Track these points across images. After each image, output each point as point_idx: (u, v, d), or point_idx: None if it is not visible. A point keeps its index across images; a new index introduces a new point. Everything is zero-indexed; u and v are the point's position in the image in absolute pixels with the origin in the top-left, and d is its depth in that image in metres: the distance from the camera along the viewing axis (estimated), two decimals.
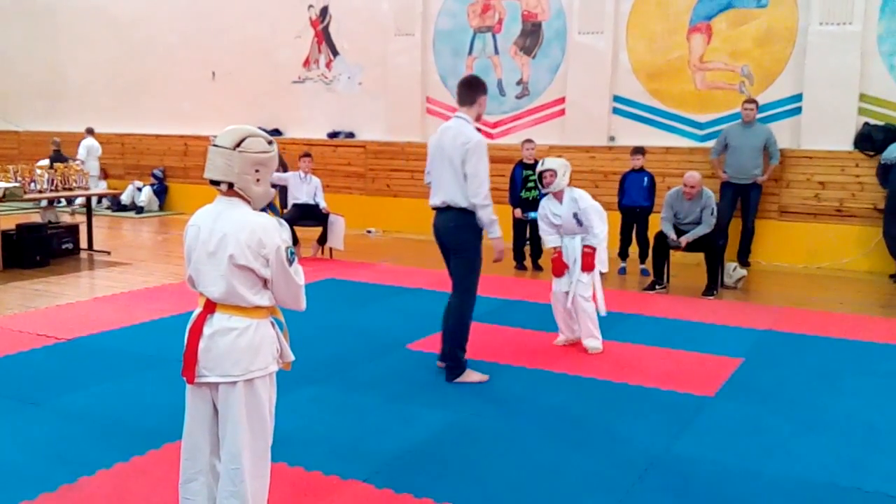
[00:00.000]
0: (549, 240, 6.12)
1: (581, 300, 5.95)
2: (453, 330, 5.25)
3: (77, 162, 11.17)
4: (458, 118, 5.22)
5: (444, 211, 5.21)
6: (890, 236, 9.08)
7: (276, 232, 2.89)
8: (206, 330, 2.88)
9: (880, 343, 6.33)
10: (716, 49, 10.35)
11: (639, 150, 9.33)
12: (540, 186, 6.11)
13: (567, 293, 6.02)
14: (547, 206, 6.07)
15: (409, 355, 5.87)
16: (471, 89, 5.24)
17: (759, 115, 9.69)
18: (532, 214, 9.14)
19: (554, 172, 5.91)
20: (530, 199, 9.25)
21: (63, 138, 14.25)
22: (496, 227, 5.18)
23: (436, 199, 5.24)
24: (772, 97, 10.02)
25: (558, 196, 5.99)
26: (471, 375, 5.27)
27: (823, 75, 9.62)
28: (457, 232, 5.17)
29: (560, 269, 6.05)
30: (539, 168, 6.02)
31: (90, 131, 14.24)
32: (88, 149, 13.97)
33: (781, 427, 4.54)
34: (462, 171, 5.03)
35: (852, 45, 9.52)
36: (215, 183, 2.91)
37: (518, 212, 9.38)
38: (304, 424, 4.43)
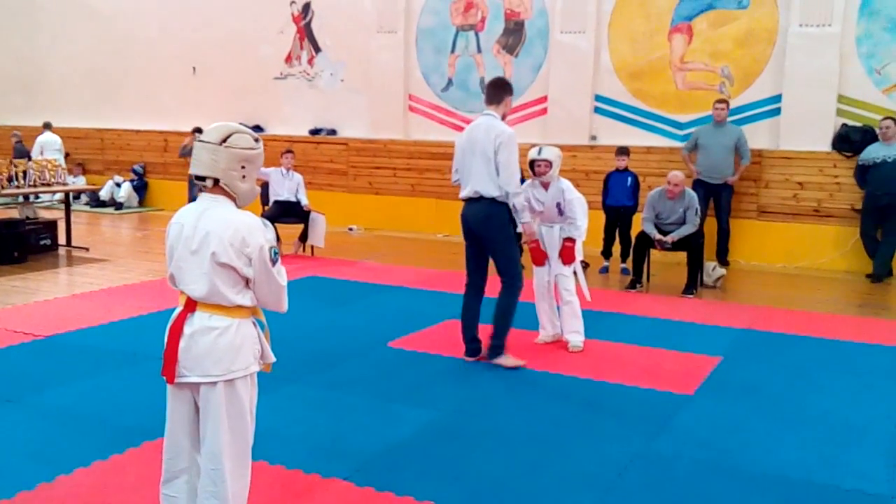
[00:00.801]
0: (524, 215, 6.00)
1: (565, 294, 5.97)
2: (502, 312, 5.54)
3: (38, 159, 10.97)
4: (488, 115, 5.48)
5: (475, 201, 5.44)
6: (867, 236, 9.19)
7: (260, 231, 2.87)
8: (187, 329, 2.85)
9: (857, 342, 6.40)
10: (696, 50, 10.41)
11: (623, 151, 9.38)
12: (531, 173, 6.05)
13: (549, 282, 6.05)
14: (530, 191, 6.00)
15: (391, 353, 5.86)
16: (499, 89, 5.54)
17: (739, 116, 9.77)
18: None
19: (550, 164, 5.89)
20: None
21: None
22: (526, 213, 5.55)
23: (467, 191, 5.46)
24: (751, 98, 10.10)
25: (545, 184, 5.98)
26: (508, 360, 5.51)
27: (803, 76, 9.70)
28: (487, 221, 5.43)
29: (540, 257, 6.06)
30: (534, 156, 5.95)
31: (47, 126, 13.94)
32: (43, 145, 13.60)
33: (760, 425, 4.59)
34: (494, 162, 5.30)
35: (831, 47, 9.61)
36: (200, 179, 2.88)
37: None
38: (284, 423, 4.41)
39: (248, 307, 2.92)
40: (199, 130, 12.99)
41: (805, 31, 9.71)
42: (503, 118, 5.47)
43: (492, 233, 5.44)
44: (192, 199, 11.35)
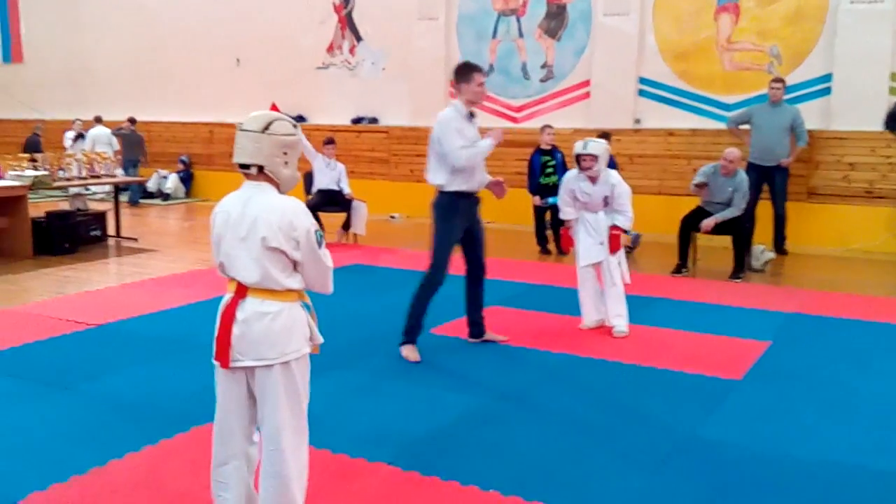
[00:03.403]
0: (566, 211, 6.09)
1: (609, 279, 5.92)
2: (412, 301, 5.47)
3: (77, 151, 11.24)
4: (449, 106, 5.40)
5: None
6: None
7: (305, 215, 2.92)
8: (240, 315, 2.89)
9: None
10: (744, 29, 10.21)
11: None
12: (577, 167, 5.97)
13: (593, 266, 5.99)
14: (576, 183, 5.95)
15: (434, 339, 5.87)
16: (455, 77, 5.36)
17: (789, 96, 9.51)
18: (551, 200, 9.11)
19: (596, 158, 5.79)
20: (550, 184, 9.22)
21: (88, 127, 14.38)
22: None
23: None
24: (801, 77, 9.88)
25: (592, 178, 5.90)
26: (406, 350, 5.40)
27: (854, 54, 9.46)
28: (432, 209, 5.45)
29: (568, 244, 6.13)
30: (579, 150, 5.83)
31: (98, 119, 14.20)
32: (95, 138, 13.87)
33: (809, 410, 4.50)
34: (436, 151, 5.30)
35: (883, 24, 9.35)
36: (244, 167, 2.93)
37: (537, 199, 9.35)
38: (330, 408, 4.45)
39: (297, 290, 2.96)
40: (132, 121, 13.35)
41: (856, 7, 9.45)
42: (470, 103, 5.29)
43: (433, 219, 5.43)
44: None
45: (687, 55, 10.55)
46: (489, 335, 5.74)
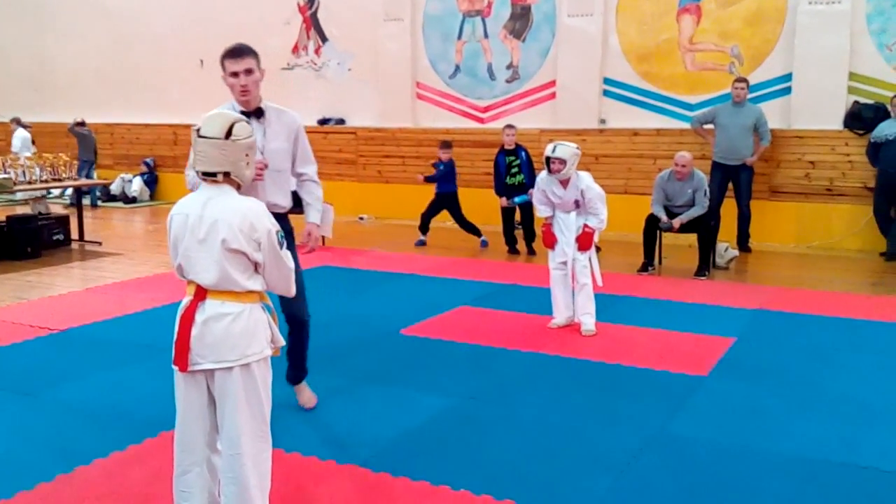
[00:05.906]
0: (541, 209, 6.13)
1: (580, 277, 5.97)
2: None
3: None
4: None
5: None
6: (880, 214, 9.12)
7: (266, 216, 2.91)
8: (199, 317, 2.87)
9: (871, 320, 6.37)
10: (705, 30, 10.33)
11: (446, 144, 10.02)
12: (546, 170, 6.00)
13: (565, 263, 6.03)
14: (547, 186, 5.99)
15: (404, 340, 5.88)
16: None
17: (750, 96, 9.66)
18: (518, 199, 9.16)
19: (564, 162, 5.81)
20: (515, 184, 9.27)
21: (52, 129, 14.17)
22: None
23: None
24: (762, 77, 10.02)
25: (563, 181, 5.95)
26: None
27: (813, 55, 9.62)
28: None
29: (550, 240, 6.07)
30: (548, 153, 5.85)
31: (17, 121, 13.88)
32: (23, 140, 13.53)
33: (775, 405, 4.58)
34: None
35: (842, 24, 9.52)
36: (210, 174, 2.90)
37: (504, 200, 9.37)
38: (299, 411, 4.44)
39: (258, 292, 2.95)
40: (81, 124, 13.14)
41: (815, 8, 9.62)
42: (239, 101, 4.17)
43: None
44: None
45: (650, 56, 10.66)
46: (302, 389, 4.57)
